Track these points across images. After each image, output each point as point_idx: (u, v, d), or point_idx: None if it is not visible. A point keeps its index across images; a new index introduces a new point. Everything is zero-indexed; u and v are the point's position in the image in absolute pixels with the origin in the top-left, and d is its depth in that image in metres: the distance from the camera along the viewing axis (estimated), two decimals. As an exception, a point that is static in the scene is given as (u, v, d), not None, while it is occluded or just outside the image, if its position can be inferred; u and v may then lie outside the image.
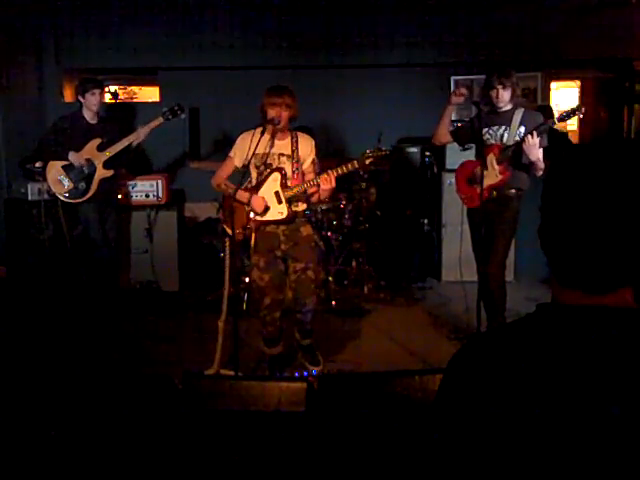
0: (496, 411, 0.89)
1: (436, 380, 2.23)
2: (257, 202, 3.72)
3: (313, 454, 2.18)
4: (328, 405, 2.34)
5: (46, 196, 5.22)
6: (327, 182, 3.61)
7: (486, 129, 4.11)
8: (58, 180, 4.99)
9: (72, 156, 4.94)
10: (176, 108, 4.95)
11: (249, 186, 3.84)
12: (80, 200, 4.99)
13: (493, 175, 4.03)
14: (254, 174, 3.82)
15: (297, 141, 3.81)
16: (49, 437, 2.23)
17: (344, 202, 5.47)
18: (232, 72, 6.29)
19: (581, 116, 3.89)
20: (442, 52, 6.15)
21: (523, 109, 4.08)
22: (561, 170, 0.97)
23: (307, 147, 3.84)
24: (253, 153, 3.69)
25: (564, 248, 0.95)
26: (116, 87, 6.89)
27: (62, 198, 5.01)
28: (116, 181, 5.27)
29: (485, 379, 0.93)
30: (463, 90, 4.11)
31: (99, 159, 4.96)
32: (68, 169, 4.97)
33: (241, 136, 3.89)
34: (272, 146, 3.75)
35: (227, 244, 3.74)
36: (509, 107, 4.08)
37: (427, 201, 6.09)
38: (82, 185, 4.97)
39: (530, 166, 4.02)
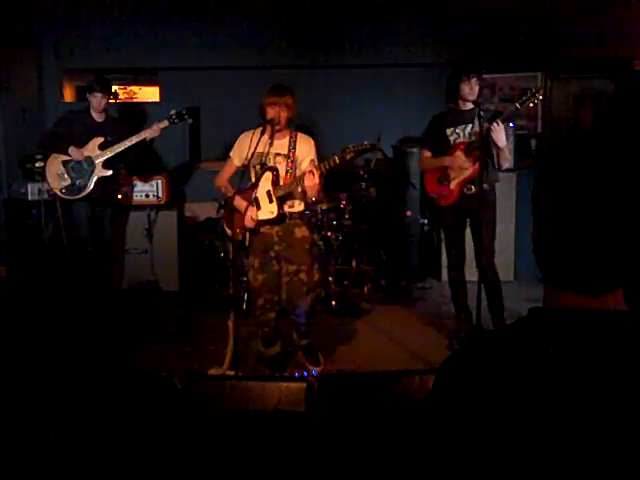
0: (487, 416, 0.88)
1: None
2: (249, 216, 3.67)
3: (313, 454, 2.17)
4: (328, 405, 2.34)
5: (46, 196, 5.22)
6: (310, 179, 3.54)
7: (452, 129, 4.17)
8: (57, 175, 4.94)
9: (72, 150, 4.90)
10: (184, 112, 4.91)
11: (249, 185, 3.83)
12: (75, 197, 4.94)
13: (464, 169, 4.11)
14: (252, 173, 3.82)
15: (295, 141, 3.80)
16: (49, 437, 2.23)
17: (344, 202, 5.47)
18: (232, 72, 6.29)
19: (540, 98, 3.95)
20: (442, 52, 6.15)
21: (483, 107, 4.11)
22: (551, 167, 0.95)
23: (306, 147, 3.82)
24: (252, 153, 3.68)
25: (560, 249, 0.92)
26: (116, 87, 6.89)
27: (59, 194, 4.96)
28: (116, 181, 5.23)
29: (477, 385, 0.91)
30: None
31: (99, 158, 4.93)
32: (68, 165, 4.93)
33: (241, 136, 3.89)
34: (271, 145, 3.74)
35: (231, 245, 3.74)
36: (471, 106, 4.12)
37: (427, 201, 6.09)
38: (80, 182, 4.92)
39: (498, 155, 4.10)
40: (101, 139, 4.95)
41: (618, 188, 0.88)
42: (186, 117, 4.93)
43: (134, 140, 4.87)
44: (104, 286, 5.17)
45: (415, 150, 5.92)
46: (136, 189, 5.63)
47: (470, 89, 4.07)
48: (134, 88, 7.27)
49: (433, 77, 6.30)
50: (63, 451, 2.20)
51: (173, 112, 4.93)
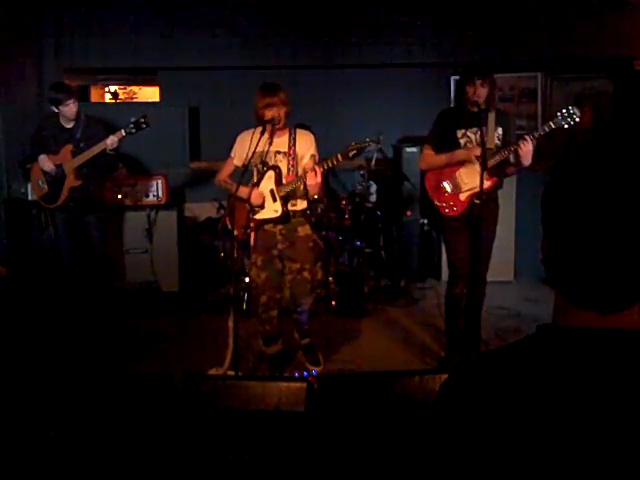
0: (491, 441, 0.83)
1: (436, 380, 2.23)
2: (255, 195, 3.73)
3: (313, 454, 2.17)
4: (328, 405, 2.34)
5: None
6: (312, 178, 3.54)
7: (463, 131, 3.87)
8: (37, 183, 4.82)
9: (41, 160, 4.72)
10: (142, 120, 4.52)
11: (252, 184, 3.84)
12: (53, 206, 4.80)
13: (477, 181, 3.73)
14: (255, 173, 3.83)
15: (295, 138, 3.79)
16: (49, 437, 2.23)
17: (344, 202, 5.47)
18: (232, 72, 6.30)
19: (577, 120, 3.61)
20: (442, 52, 6.15)
21: (495, 110, 3.88)
22: (563, 173, 0.87)
23: (306, 143, 3.81)
24: (253, 152, 3.68)
25: (572, 260, 0.85)
26: (116, 87, 6.90)
27: (40, 202, 4.87)
28: (99, 186, 5.01)
29: (480, 408, 0.85)
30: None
31: (70, 166, 4.66)
32: (45, 172, 4.76)
33: (240, 136, 3.89)
34: (271, 144, 3.74)
35: (234, 244, 3.75)
36: (483, 108, 3.81)
37: (427, 201, 6.09)
38: (54, 191, 4.74)
39: (512, 168, 3.85)
40: (71, 146, 4.69)
41: (636, 195, 0.81)
42: (144, 126, 4.53)
43: (95, 151, 4.56)
44: (103, 287, 5.15)
45: (415, 150, 5.92)
46: (136, 189, 5.64)
47: (474, 92, 3.75)
48: (134, 88, 7.28)
49: (433, 77, 6.32)
50: (63, 451, 2.20)
51: (132, 120, 4.53)
